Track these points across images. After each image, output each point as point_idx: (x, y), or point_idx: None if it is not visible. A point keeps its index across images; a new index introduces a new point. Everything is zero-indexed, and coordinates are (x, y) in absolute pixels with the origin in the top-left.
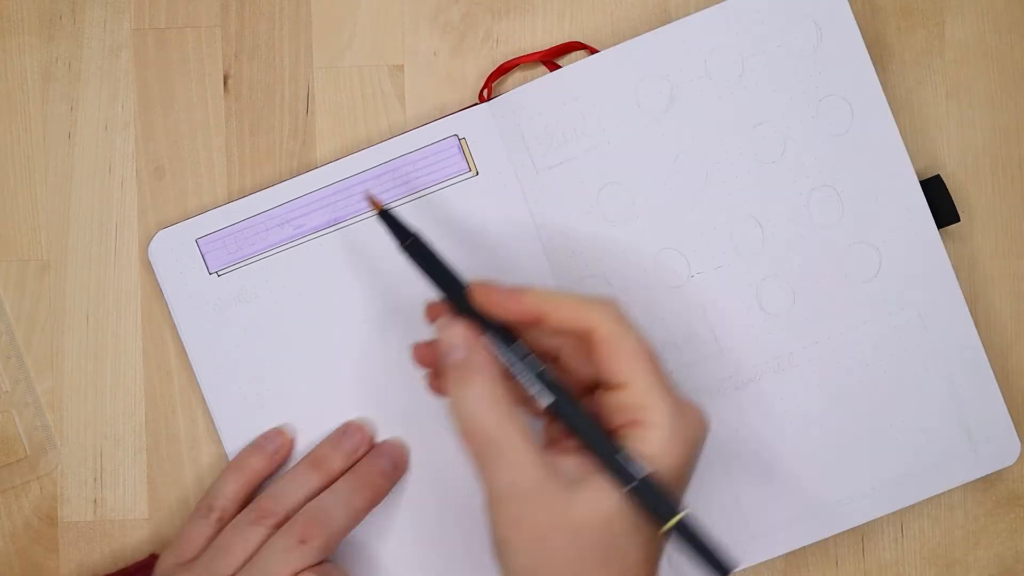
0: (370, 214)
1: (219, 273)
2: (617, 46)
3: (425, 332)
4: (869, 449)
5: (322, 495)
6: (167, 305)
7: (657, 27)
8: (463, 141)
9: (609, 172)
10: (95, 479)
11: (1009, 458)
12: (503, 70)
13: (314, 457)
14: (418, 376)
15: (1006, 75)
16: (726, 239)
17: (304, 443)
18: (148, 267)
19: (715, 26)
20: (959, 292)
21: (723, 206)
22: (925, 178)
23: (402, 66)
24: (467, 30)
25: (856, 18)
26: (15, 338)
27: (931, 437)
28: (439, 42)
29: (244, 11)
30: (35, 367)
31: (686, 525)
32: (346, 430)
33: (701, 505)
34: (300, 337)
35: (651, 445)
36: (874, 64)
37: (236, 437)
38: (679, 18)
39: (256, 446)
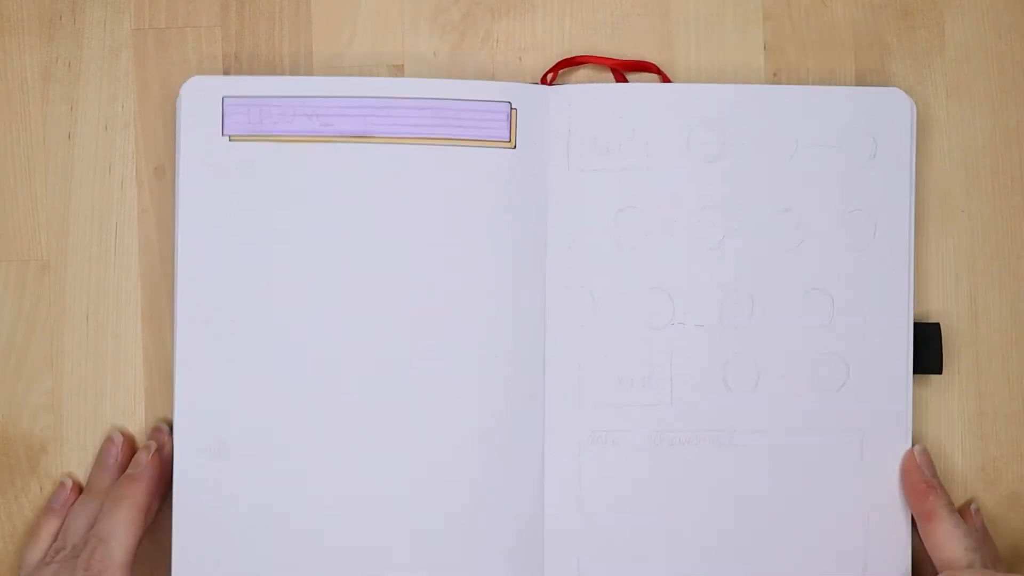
0: (399, 141)
1: (231, 138)
2: (691, 84)
3: (409, 268)
4: (768, 550)
5: (97, 522)
6: (177, 156)
7: (660, 31)
8: (514, 112)
9: (636, 197)
10: None
11: None
12: (573, 62)
13: (88, 485)
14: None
15: (1006, 75)
16: (717, 303)
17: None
18: (148, 267)
19: (788, 103)
20: (907, 442)
21: (726, 272)
22: (924, 321)
23: (402, 66)
24: (467, 30)
25: (856, 18)
26: (15, 338)
27: (829, 561)
28: (439, 42)
29: (244, 11)
30: (35, 367)
31: None
32: (104, 446)
33: (592, 535)
34: (288, 236)
35: None
36: (877, 60)
37: (191, 310)
38: (680, 21)
39: (48, 510)
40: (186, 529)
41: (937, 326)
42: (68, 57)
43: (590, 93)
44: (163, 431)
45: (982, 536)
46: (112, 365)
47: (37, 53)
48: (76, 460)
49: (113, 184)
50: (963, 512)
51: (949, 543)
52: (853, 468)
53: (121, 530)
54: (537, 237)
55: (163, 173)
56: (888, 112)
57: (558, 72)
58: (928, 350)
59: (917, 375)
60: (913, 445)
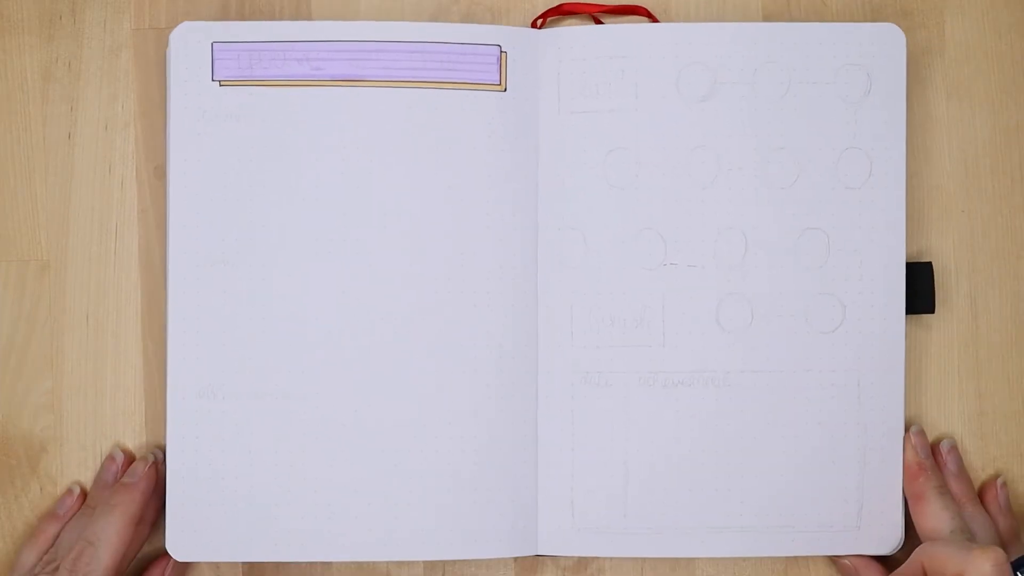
0: (390, 85)
1: (221, 83)
2: (680, 24)
3: (401, 211)
4: (762, 488)
5: (86, 527)
6: (167, 103)
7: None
8: (504, 55)
9: (625, 137)
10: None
11: (888, 547)
12: (564, 10)
13: (87, 501)
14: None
15: (1006, 75)
16: (710, 243)
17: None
18: (148, 267)
19: (778, 41)
20: (902, 381)
21: (719, 211)
22: (917, 261)
23: None
24: None
25: (856, 18)
26: (15, 338)
27: (824, 499)
28: None
29: (244, 11)
30: (35, 367)
31: None
32: (105, 463)
33: (586, 476)
34: (280, 180)
35: None
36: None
37: (184, 255)
38: (679, 13)
39: (51, 515)
40: (178, 475)
41: (929, 265)
42: (68, 57)
43: (579, 35)
44: (160, 455)
45: (1005, 508)
46: (112, 365)
47: (37, 53)
48: (76, 460)
49: (113, 184)
50: (987, 485)
51: (936, 524)
52: (851, 409)
53: (110, 535)
54: (528, 180)
55: (163, 173)
56: (882, 48)
57: (547, 19)
58: (921, 289)
59: (910, 315)
60: (910, 428)
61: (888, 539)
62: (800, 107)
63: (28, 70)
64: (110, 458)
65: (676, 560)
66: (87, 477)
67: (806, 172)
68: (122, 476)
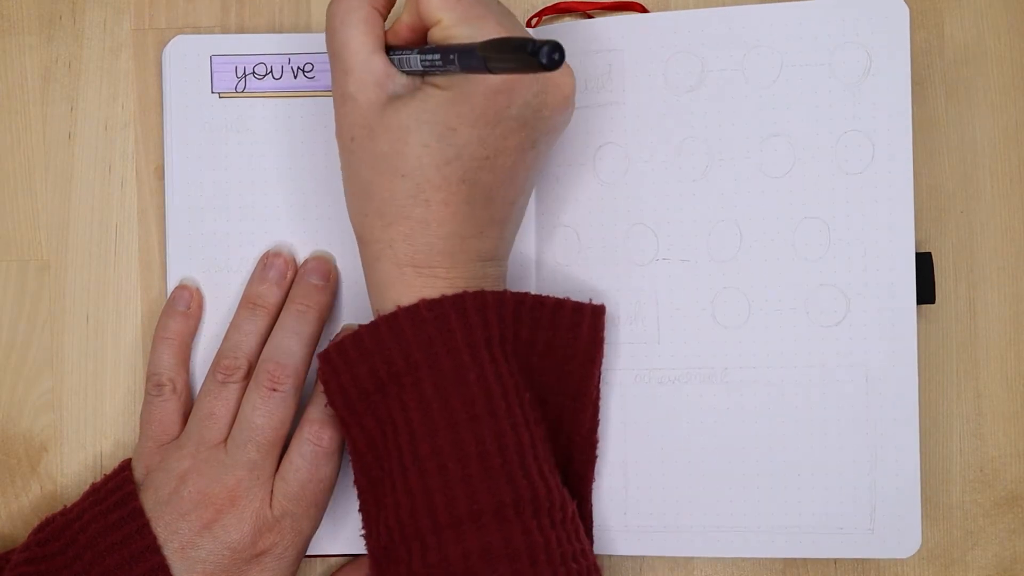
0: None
1: (221, 95)
2: (665, 12)
3: None
4: (770, 489)
5: (273, 334)
6: (163, 115)
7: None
8: None
9: (614, 132)
10: (95, 479)
11: (904, 551)
12: (560, 8)
13: (248, 298)
14: None
15: (1006, 75)
16: (703, 236)
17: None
18: (148, 267)
19: (768, 23)
20: (915, 375)
21: (711, 203)
22: (916, 252)
23: None
24: None
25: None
26: (15, 338)
27: (835, 500)
28: None
29: (244, 11)
30: (35, 367)
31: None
32: (266, 261)
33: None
34: (275, 184)
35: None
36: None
37: (184, 264)
38: (677, 6)
39: (168, 311)
40: None
41: (929, 255)
42: (68, 57)
43: (566, 31)
44: (323, 260)
45: None
46: (112, 365)
47: (37, 53)
48: (76, 460)
49: (113, 184)
50: None
51: None
52: (859, 405)
53: (306, 348)
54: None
55: (163, 173)
56: (881, 22)
57: (542, 18)
58: (922, 280)
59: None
60: None
61: (904, 543)
62: (793, 91)
63: (28, 70)
64: (276, 254)
65: (675, 559)
66: (87, 477)
67: (802, 159)
68: (289, 275)
